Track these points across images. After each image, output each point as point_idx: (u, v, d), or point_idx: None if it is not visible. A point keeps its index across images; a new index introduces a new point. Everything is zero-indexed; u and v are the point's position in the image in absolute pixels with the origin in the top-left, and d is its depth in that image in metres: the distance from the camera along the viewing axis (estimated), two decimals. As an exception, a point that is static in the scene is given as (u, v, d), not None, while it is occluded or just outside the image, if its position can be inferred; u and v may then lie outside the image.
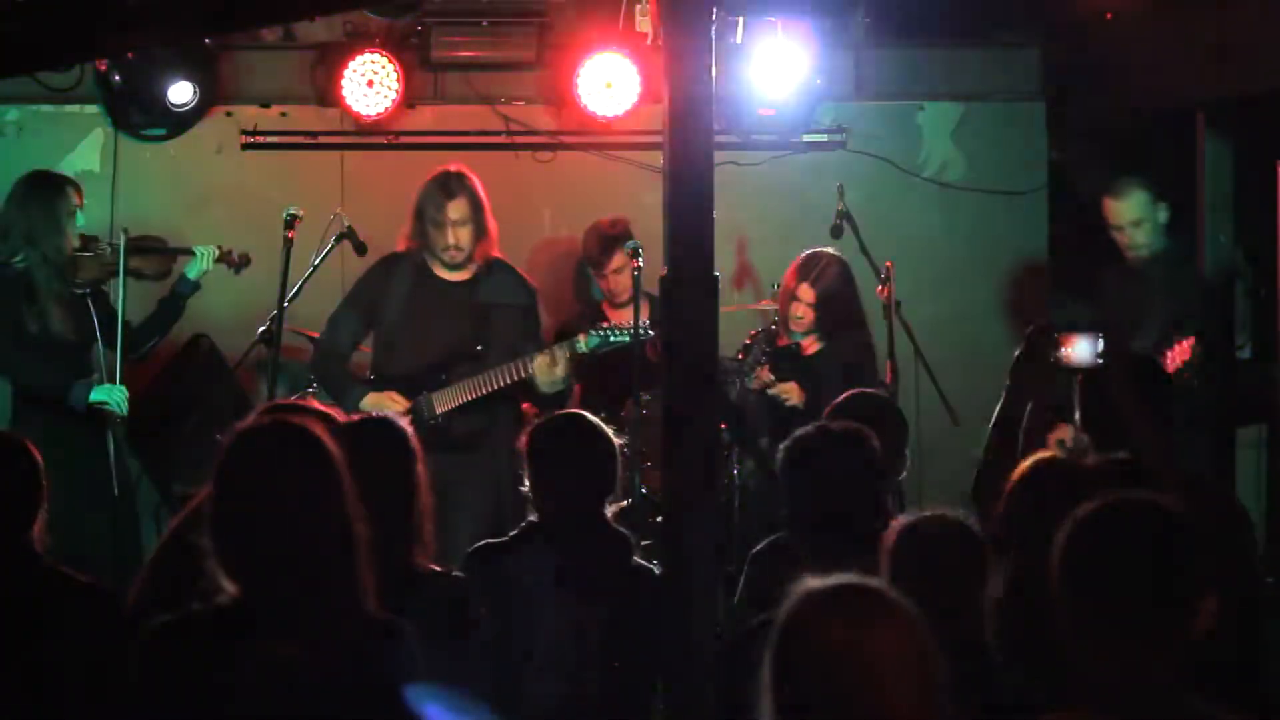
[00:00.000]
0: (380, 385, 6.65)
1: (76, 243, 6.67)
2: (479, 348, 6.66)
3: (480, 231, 6.71)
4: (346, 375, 6.76)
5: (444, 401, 6.62)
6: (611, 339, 6.70)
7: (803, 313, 7.06)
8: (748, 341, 7.07)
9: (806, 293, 7.05)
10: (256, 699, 3.16)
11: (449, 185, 6.71)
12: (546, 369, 6.56)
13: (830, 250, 7.14)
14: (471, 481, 6.51)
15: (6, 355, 6.62)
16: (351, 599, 3.25)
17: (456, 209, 6.67)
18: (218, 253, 6.81)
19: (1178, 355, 6.53)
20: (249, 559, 3.22)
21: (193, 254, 6.81)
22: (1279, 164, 7.10)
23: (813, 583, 2.63)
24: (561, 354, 6.59)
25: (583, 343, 6.63)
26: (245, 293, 7.21)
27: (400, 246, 6.78)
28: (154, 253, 6.83)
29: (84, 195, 6.78)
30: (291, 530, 3.21)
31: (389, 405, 6.51)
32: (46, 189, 6.72)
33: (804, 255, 7.16)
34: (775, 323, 7.12)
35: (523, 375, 6.58)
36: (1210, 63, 6.95)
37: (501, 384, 6.59)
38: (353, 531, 3.26)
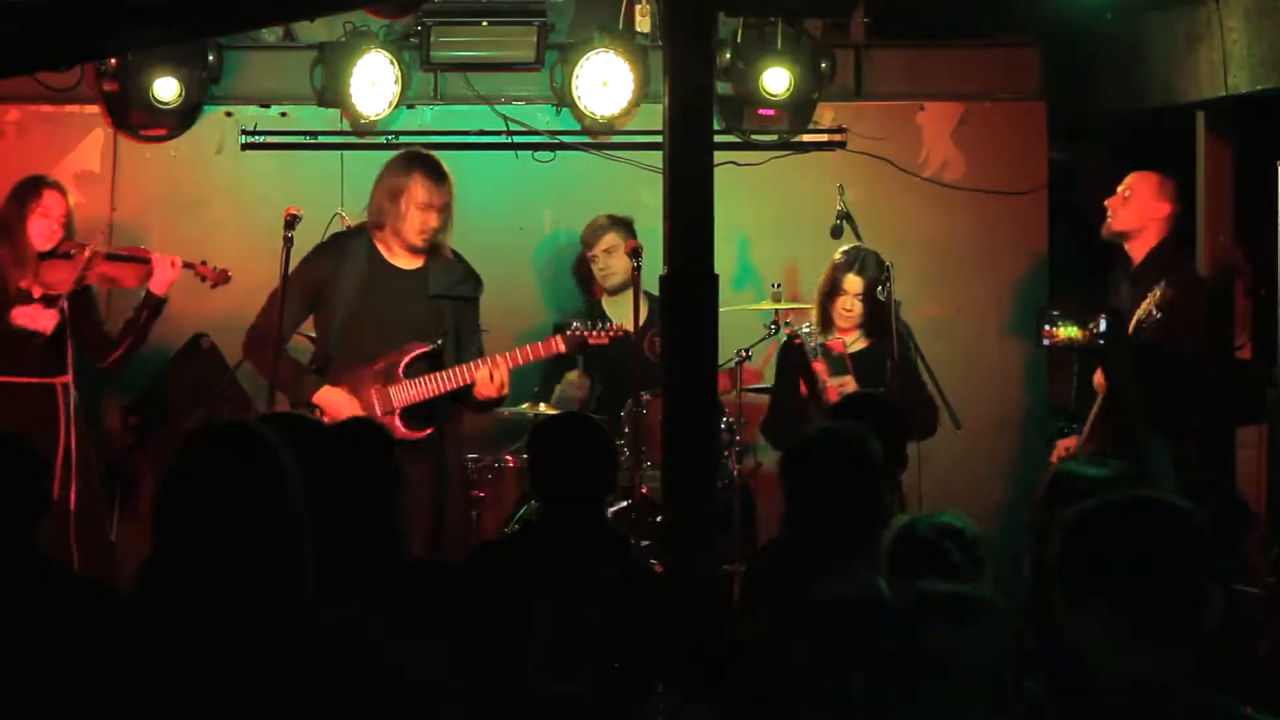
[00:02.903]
0: (326, 372, 6.67)
1: (49, 244, 6.79)
2: (438, 342, 6.67)
3: (451, 220, 6.76)
4: (295, 363, 6.74)
5: (402, 397, 6.62)
6: (590, 341, 6.77)
7: (850, 305, 7.00)
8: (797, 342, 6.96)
9: (854, 283, 6.95)
10: (198, 696, 3.16)
11: (439, 169, 6.73)
12: (485, 383, 6.59)
13: (871, 249, 7.09)
14: (414, 473, 6.51)
15: None
16: (295, 601, 3.25)
17: (447, 193, 6.69)
18: (183, 264, 6.83)
19: (1147, 302, 6.58)
20: (190, 559, 3.23)
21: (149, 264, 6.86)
22: (1279, 164, 7.10)
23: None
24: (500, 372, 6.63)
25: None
26: (246, 292, 7.19)
27: (349, 225, 6.76)
28: (124, 261, 6.88)
29: (67, 198, 6.85)
30: (232, 531, 3.21)
31: (345, 404, 6.54)
32: (20, 190, 6.87)
33: (843, 251, 7.08)
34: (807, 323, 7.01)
35: (471, 380, 6.60)
36: (1210, 63, 6.95)
37: (457, 384, 6.61)
38: (298, 536, 3.26)
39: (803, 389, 6.89)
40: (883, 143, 8.13)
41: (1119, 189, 7.06)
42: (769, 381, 7.28)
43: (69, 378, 6.85)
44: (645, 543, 6.43)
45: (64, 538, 6.64)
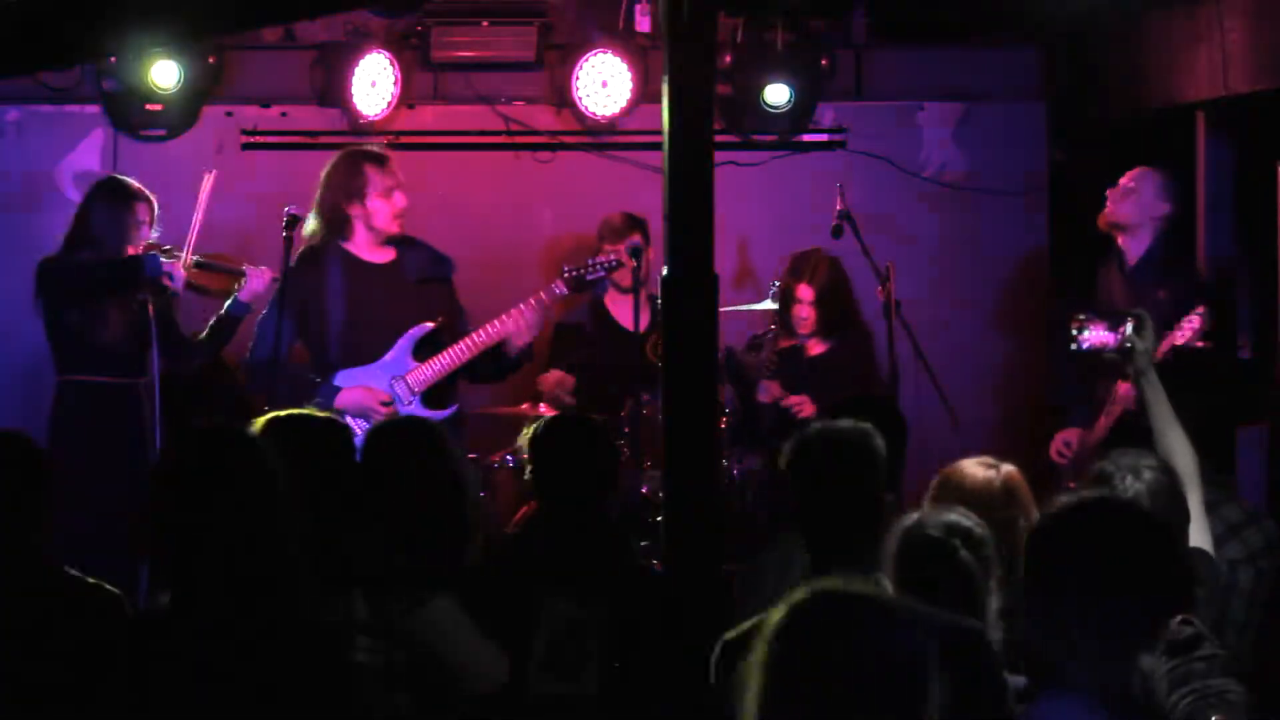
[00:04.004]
0: (334, 380, 6.64)
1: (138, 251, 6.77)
2: (439, 320, 6.67)
3: None
4: (305, 379, 6.72)
5: (420, 380, 6.64)
6: (588, 277, 6.78)
7: (806, 313, 7.11)
8: (758, 341, 7.05)
9: (805, 292, 7.10)
10: (189, 701, 3.15)
11: (380, 154, 6.73)
12: (520, 332, 6.60)
13: (819, 248, 7.19)
14: None
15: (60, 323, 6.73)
16: (288, 605, 3.24)
17: (398, 171, 6.69)
18: (274, 275, 6.83)
19: (1186, 329, 6.52)
20: (182, 562, 3.22)
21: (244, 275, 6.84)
22: (1279, 164, 7.10)
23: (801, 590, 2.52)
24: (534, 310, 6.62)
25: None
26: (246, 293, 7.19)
27: (313, 241, 6.71)
28: (217, 270, 6.87)
29: (156, 209, 6.81)
30: (222, 535, 3.20)
31: (371, 401, 6.54)
32: (118, 199, 6.78)
33: (794, 255, 7.21)
34: (774, 324, 7.12)
35: (495, 338, 6.60)
36: (1210, 63, 6.95)
37: (481, 348, 6.61)
38: (287, 539, 3.25)
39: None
40: (883, 143, 8.14)
41: (1121, 180, 7.05)
42: None
43: (153, 379, 6.82)
44: (645, 543, 6.43)
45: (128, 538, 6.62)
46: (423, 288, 6.74)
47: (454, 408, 6.67)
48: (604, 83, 7.76)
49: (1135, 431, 5.06)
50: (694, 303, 4.54)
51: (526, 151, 8.04)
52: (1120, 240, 7.03)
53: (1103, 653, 2.84)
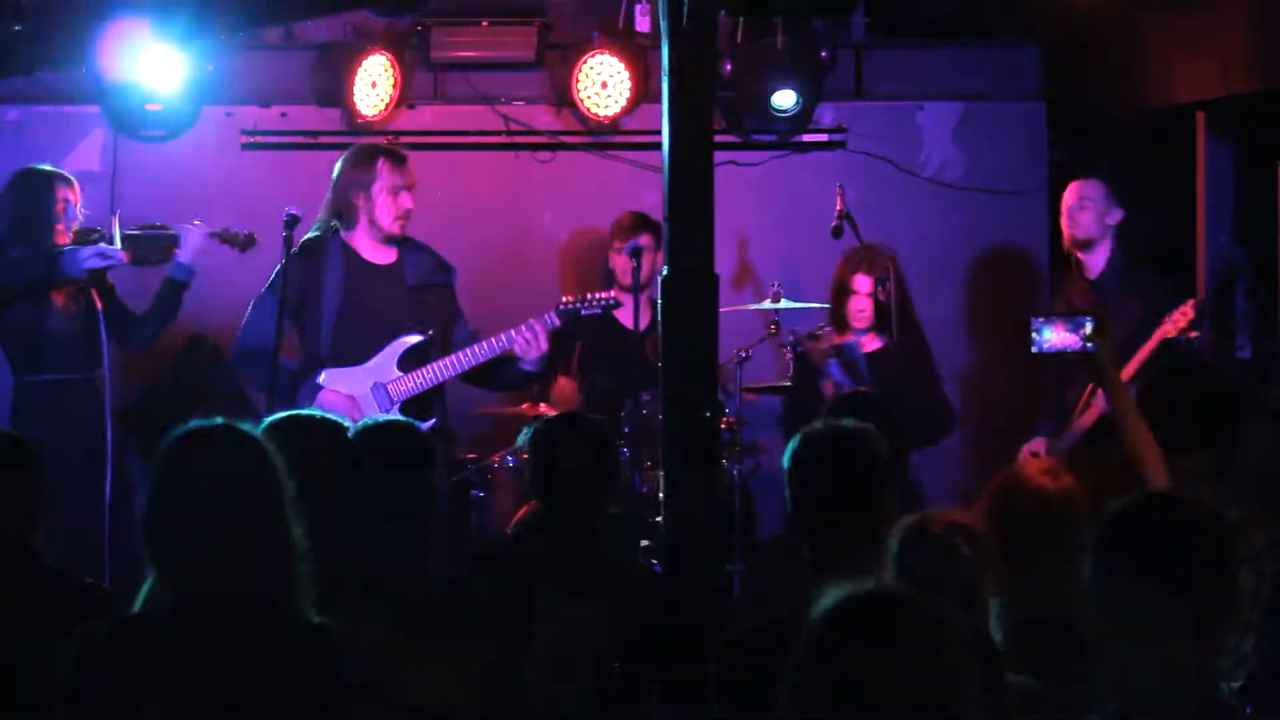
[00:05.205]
0: (318, 377, 6.63)
1: (69, 237, 6.74)
2: (430, 332, 6.63)
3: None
4: (289, 372, 6.69)
5: (401, 391, 6.60)
6: (583, 312, 6.70)
7: (863, 305, 6.96)
8: (815, 334, 6.97)
9: (864, 283, 6.94)
10: (185, 702, 3.15)
11: (398, 152, 6.69)
12: (525, 345, 6.55)
13: (879, 243, 7.11)
14: None
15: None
16: (284, 605, 3.24)
17: (413, 173, 6.66)
18: (209, 230, 6.80)
19: (1178, 319, 6.51)
20: (180, 562, 3.21)
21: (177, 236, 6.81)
22: (1279, 164, 7.11)
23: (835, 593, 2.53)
24: (541, 327, 6.57)
25: (554, 316, 6.63)
26: (246, 291, 7.20)
27: (318, 232, 6.67)
28: (149, 240, 6.83)
29: (79, 191, 6.80)
30: (221, 534, 3.19)
31: (344, 407, 6.48)
32: (35, 183, 6.76)
33: (853, 249, 7.10)
34: (813, 330, 7.04)
35: (495, 353, 6.56)
36: (1210, 63, 6.96)
37: (458, 371, 6.58)
38: (288, 538, 3.25)
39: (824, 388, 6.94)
40: (883, 143, 8.14)
41: (1071, 199, 7.01)
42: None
43: (105, 371, 6.82)
44: (645, 543, 6.43)
45: (99, 534, 6.61)
46: (420, 292, 6.70)
47: (434, 420, 6.60)
48: (604, 83, 7.77)
49: (1114, 432, 5.05)
50: (694, 303, 4.55)
51: (526, 151, 8.05)
52: (1082, 256, 7.00)
53: (1164, 665, 2.78)
